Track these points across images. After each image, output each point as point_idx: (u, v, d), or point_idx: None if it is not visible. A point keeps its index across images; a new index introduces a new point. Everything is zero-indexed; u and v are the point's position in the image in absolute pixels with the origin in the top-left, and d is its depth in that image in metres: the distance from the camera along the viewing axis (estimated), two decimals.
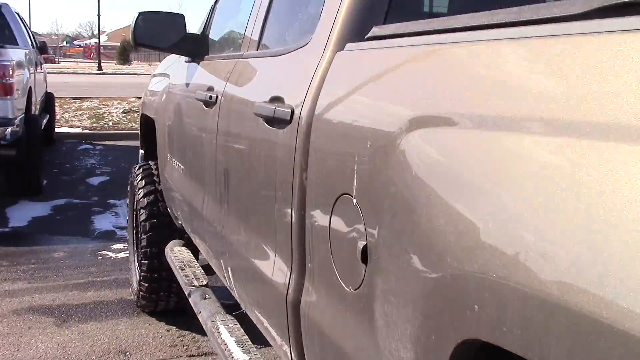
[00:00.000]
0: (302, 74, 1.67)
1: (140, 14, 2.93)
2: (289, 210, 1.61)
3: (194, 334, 3.59)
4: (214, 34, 3.04)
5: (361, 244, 1.24)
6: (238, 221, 2.09)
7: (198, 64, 2.95)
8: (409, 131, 1.10)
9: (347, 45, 1.49)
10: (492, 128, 0.93)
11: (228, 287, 2.40)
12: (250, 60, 2.21)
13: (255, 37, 2.23)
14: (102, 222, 5.92)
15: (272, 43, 2.15)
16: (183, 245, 3.38)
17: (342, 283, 1.34)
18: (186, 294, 2.77)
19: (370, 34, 1.45)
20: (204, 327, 2.45)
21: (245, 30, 2.36)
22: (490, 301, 0.81)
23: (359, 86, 1.35)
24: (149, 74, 4.91)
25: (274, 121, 1.72)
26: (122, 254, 4.89)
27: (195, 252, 3.38)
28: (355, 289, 1.28)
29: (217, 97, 2.35)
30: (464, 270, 0.87)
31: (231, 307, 2.70)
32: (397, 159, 1.11)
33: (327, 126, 1.43)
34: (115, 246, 5.13)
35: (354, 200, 1.27)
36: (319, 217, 1.45)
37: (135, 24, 2.91)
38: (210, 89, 2.48)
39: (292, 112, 1.61)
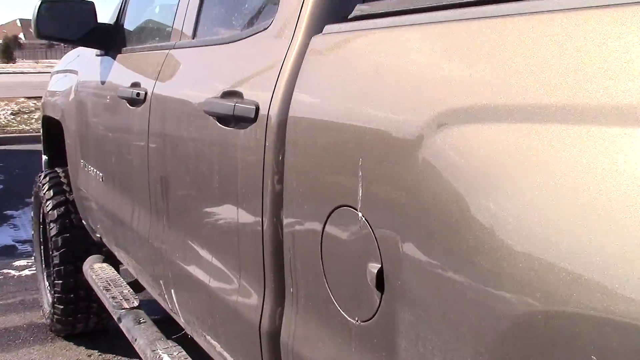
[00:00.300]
0: (264, 64, 1.42)
1: (44, 2, 2.56)
2: (259, 225, 1.36)
3: (119, 357, 3.25)
4: (131, 23, 2.71)
5: (374, 267, 1.01)
6: (183, 237, 1.81)
7: (114, 57, 2.62)
8: (440, 129, 0.89)
9: (326, 27, 1.26)
10: (553, 120, 0.73)
11: (169, 311, 2.11)
12: (187, 50, 1.92)
13: (190, 24, 1.94)
14: (0, 236, 5.37)
15: (214, 29, 1.88)
16: (104, 261, 3.03)
17: (344, 313, 1.11)
18: (115, 318, 2.45)
19: (355, 13, 1.23)
20: (142, 356, 2.15)
21: (175, 16, 2.07)
22: (622, 349, 0.61)
23: (352, 77, 1.12)
24: (38, 73, 4.43)
25: (231, 120, 1.46)
26: (27, 272, 4.42)
27: (117, 264, 3.05)
28: (365, 321, 1.05)
29: (145, 93, 2.05)
30: (565, 306, 0.67)
31: (164, 323, 2.40)
32: (430, 162, 0.89)
33: (310, 126, 1.19)
34: (17, 263, 4.64)
35: (360, 214, 1.04)
36: (305, 234, 1.22)
37: (37, 13, 2.55)
38: (136, 84, 2.17)
39: (257, 109, 1.36)
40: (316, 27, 1.29)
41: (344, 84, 1.13)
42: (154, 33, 2.43)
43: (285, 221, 1.28)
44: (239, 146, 1.44)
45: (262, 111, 1.34)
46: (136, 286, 2.77)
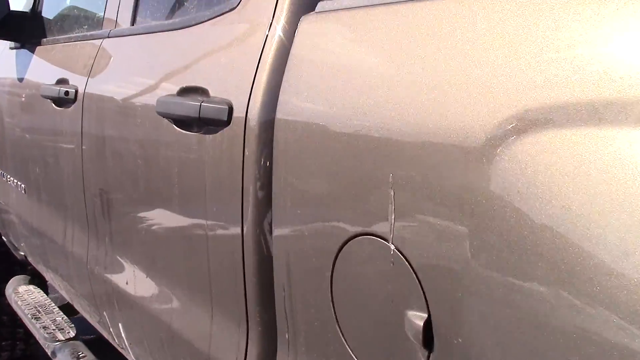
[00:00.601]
0: (234, 54, 1.15)
1: None
2: (239, 252, 1.10)
3: None
4: (51, 10, 2.35)
5: (417, 316, 0.77)
6: (132, 263, 1.51)
7: (32, 50, 2.26)
8: (514, 134, 0.65)
9: (320, 4, 1.00)
10: None
11: (114, 344, 1.81)
12: (125, 39, 1.61)
13: (127, 7, 1.63)
14: None
15: (159, 12, 1.57)
16: (30, 282, 2.66)
17: None
18: (49, 353, 2.12)
19: None
20: None
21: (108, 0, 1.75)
22: None
23: (367, 67, 0.87)
24: None
25: (194, 123, 1.18)
26: None
27: (45, 282, 2.70)
28: None
29: (75, 92, 1.73)
30: None
31: (103, 344, 2.08)
32: (500, 177, 0.65)
33: (308, 131, 0.93)
34: None
35: (392, 247, 0.79)
36: (307, 267, 0.96)
37: None
38: (63, 81, 1.84)
39: (231, 110, 1.08)
40: (305, 4, 1.03)
41: (355, 76, 0.88)
42: (82, 20, 2.09)
43: (277, 249, 1.02)
44: (206, 155, 1.16)
45: (238, 112, 1.07)
46: (70, 309, 2.44)
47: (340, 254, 0.88)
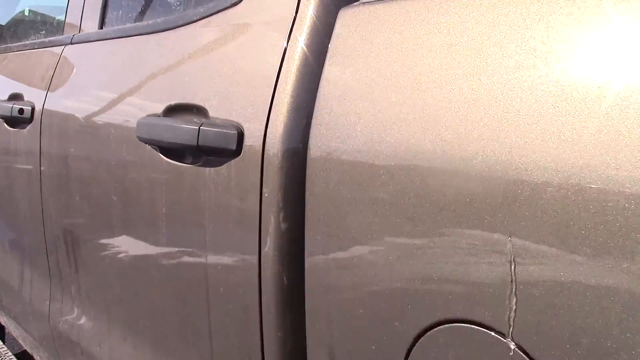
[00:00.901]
0: (243, 63, 0.88)
1: None
2: (255, 328, 0.82)
3: None
4: (2, 15, 2.04)
5: None
6: (107, 319, 1.22)
7: None
8: None
9: None
10: None
11: None
12: (92, 45, 1.32)
13: (94, 7, 1.35)
14: None
15: (134, 12, 1.28)
16: None
17: None
18: None
19: None
20: None
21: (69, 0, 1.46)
22: None
23: (452, 76, 0.61)
24: None
25: (189, 151, 0.91)
26: None
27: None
28: None
29: (32, 109, 1.44)
30: None
31: None
32: None
33: (364, 172, 0.66)
34: None
35: (512, 346, 0.53)
36: (361, 358, 0.69)
37: None
38: (17, 97, 1.54)
39: (241, 136, 0.81)
40: None
41: (435, 92, 0.61)
42: (38, 25, 1.79)
43: (314, 328, 0.75)
44: (205, 193, 0.88)
45: (251, 140, 0.80)
46: (30, 356, 2.13)
47: (417, 346, 0.62)
